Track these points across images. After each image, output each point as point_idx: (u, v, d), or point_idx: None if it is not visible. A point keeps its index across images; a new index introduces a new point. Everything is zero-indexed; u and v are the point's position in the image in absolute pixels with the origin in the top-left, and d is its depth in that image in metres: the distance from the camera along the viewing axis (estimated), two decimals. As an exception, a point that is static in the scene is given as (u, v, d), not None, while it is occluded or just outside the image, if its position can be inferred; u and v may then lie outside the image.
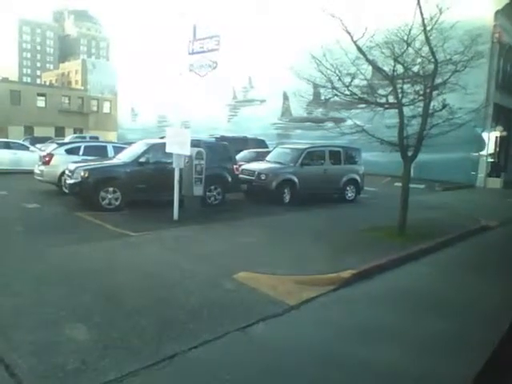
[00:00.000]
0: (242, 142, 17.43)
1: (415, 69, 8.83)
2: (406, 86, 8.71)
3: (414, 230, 9.11)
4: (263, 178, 11.73)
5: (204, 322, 4.46)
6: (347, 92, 8.61)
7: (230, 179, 11.23)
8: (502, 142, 23.84)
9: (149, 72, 36.19)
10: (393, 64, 8.13)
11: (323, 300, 5.31)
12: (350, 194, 13.22)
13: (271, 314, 4.77)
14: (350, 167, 13.29)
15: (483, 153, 21.26)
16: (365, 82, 9.34)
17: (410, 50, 8.51)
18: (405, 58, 8.45)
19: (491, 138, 21.89)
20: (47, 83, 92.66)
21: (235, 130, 27.51)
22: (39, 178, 12.08)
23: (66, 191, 10.33)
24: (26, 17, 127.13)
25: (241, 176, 12.30)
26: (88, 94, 57.53)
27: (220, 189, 11.09)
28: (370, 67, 8.79)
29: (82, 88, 64.93)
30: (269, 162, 12.86)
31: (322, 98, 9.29)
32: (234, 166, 11.43)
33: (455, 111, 8.98)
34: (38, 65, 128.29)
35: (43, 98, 51.46)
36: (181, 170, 9.29)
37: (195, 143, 10.56)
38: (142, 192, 10.00)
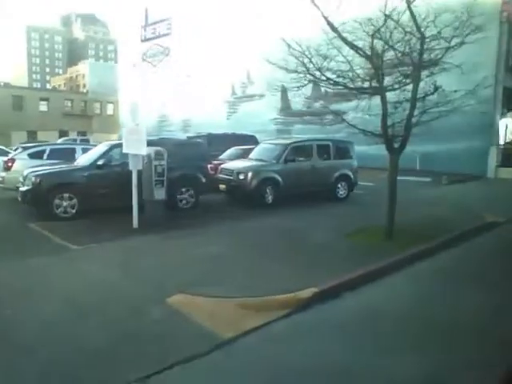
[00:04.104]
0: (232, 139, 16.40)
1: (400, 47, 7.67)
2: (390, 68, 7.58)
3: (406, 232, 8.00)
4: (242, 177, 10.67)
5: (97, 371, 3.46)
6: (323, 77, 7.49)
7: (203, 180, 10.20)
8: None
9: (148, 72, 35.58)
10: (371, 41, 6.97)
11: (266, 331, 4.24)
12: (341, 192, 12.07)
13: (194, 353, 3.74)
14: (341, 162, 12.12)
15: (493, 141, 19.81)
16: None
17: (393, 26, 7.36)
18: (387, 33, 7.30)
19: (502, 124, 20.43)
20: (56, 88, 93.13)
21: (235, 126, 26.46)
22: (1, 185, 11.23)
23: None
24: (34, 23, 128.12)
25: (220, 176, 11.30)
26: (91, 97, 57.10)
27: (192, 191, 10.08)
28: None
29: (84, 91, 64.72)
30: (251, 159, 11.80)
31: (297, 85, 8.14)
32: (209, 166, 10.39)
33: (448, 94, 7.81)
34: (47, 70, 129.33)
35: (46, 102, 51.22)
36: (140, 172, 8.31)
37: (161, 142, 9.61)
38: (103, 198, 9.05)
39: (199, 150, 10.48)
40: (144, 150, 7.84)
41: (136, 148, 7.93)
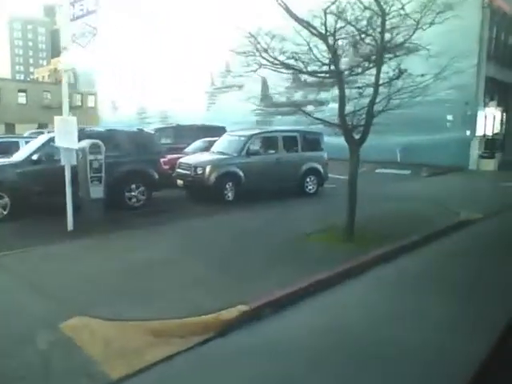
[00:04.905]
0: (201, 131, 15.52)
1: (363, 26, 6.85)
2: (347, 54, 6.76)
3: (370, 231, 7.29)
4: (199, 172, 9.84)
5: None
6: (273, 60, 6.65)
7: (155, 175, 9.34)
8: (498, 120, 21.70)
9: (128, 63, 34.65)
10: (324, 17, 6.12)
11: (167, 368, 3.45)
12: (310, 187, 11.29)
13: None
14: (310, 155, 11.32)
15: (476, 132, 19.16)
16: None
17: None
18: (345, 9, 6.46)
19: (485, 115, 19.78)
20: (40, 79, 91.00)
21: (215, 118, 25.61)
22: None
23: None
24: (16, 13, 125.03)
25: (178, 170, 10.46)
26: (71, 89, 55.61)
27: (143, 187, 9.22)
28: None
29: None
30: (213, 152, 10.96)
31: (249, 70, 7.32)
32: (162, 160, 9.52)
33: (416, 80, 7.01)
34: (31, 61, 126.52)
35: (24, 94, 49.68)
36: (76, 168, 7.46)
37: (108, 134, 8.77)
38: (40, 196, 8.16)
39: (151, 142, 9.60)
40: (75, 143, 6.97)
41: (67, 141, 7.05)
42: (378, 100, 6.77)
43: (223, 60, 28.29)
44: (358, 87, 6.83)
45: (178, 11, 28.38)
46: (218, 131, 15.81)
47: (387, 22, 6.79)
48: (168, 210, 9.41)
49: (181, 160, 10.58)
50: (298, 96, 25.45)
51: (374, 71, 6.98)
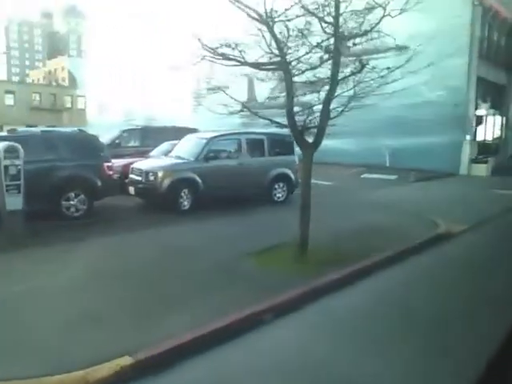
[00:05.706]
0: (171, 133, 14.55)
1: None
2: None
3: (330, 249, 6.33)
4: (151, 178, 8.84)
5: None
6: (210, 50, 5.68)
7: (98, 182, 8.32)
8: (491, 122, 20.74)
9: (115, 66, 33.93)
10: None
11: None
12: (278, 194, 10.28)
13: None
14: (279, 159, 10.32)
15: (469, 136, 18.17)
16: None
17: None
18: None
19: (477, 118, 18.82)
20: (35, 81, 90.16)
21: (200, 120, 24.66)
22: None
23: None
24: (13, 15, 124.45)
25: (130, 176, 9.48)
26: (60, 91, 54.79)
27: (83, 195, 8.20)
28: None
29: (55, 84, 62.39)
30: (171, 157, 9.96)
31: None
32: (106, 165, 8.50)
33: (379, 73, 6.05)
34: (27, 63, 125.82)
35: (11, 95, 48.76)
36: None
37: (42, 135, 7.82)
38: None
39: (94, 145, 8.57)
40: (-17, 147, 5.99)
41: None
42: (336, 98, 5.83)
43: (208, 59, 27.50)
44: (310, 82, 5.86)
45: (163, 12, 27.54)
46: (191, 133, 14.86)
47: (348, 7, 5.87)
48: (112, 220, 8.37)
49: (133, 165, 9.59)
50: (283, 98, 24.58)
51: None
